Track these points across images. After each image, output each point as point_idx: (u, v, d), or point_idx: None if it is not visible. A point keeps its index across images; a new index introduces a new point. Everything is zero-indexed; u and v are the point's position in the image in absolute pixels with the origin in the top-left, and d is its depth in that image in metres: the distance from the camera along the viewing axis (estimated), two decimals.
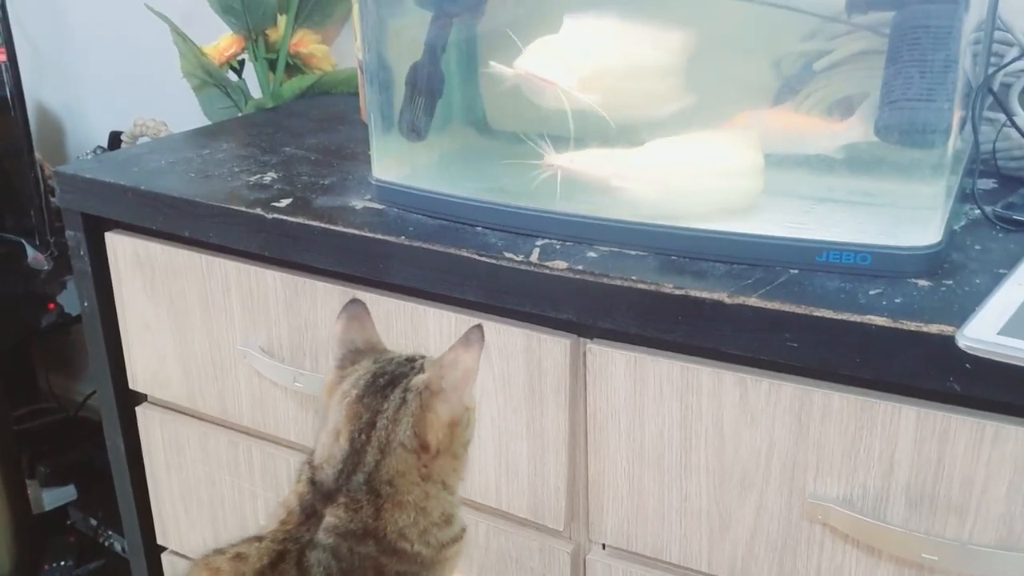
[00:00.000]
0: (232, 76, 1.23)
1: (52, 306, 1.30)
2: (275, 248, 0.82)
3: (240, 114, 1.20)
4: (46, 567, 1.36)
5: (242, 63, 1.23)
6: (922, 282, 0.64)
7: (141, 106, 1.38)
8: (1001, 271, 0.65)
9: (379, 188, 0.83)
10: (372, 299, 0.79)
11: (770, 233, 0.68)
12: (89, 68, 1.52)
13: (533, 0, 0.84)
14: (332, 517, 0.55)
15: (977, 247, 0.70)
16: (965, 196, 0.78)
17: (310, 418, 0.87)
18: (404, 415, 0.55)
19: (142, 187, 0.87)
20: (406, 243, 0.75)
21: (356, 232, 0.77)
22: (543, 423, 0.75)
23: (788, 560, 0.67)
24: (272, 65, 1.21)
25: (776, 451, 0.66)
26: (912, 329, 0.58)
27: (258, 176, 0.90)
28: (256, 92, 1.23)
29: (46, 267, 1.26)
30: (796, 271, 0.66)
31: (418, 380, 0.56)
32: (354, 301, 0.62)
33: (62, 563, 1.36)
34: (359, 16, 0.82)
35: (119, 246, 0.93)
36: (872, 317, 0.59)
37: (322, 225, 0.78)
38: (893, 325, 0.58)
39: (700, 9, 0.78)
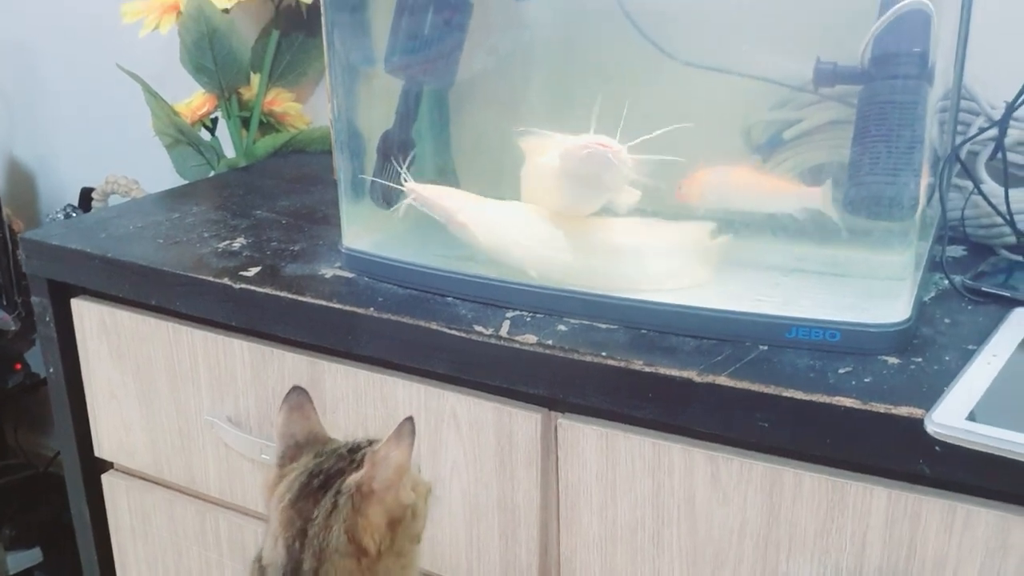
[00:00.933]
0: (205, 134, 1.22)
1: (19, 366, 1.28)
2: (242, 318, 0.81)
3: (212, 173, 1.20)
4: None
5: (215, 121, 1.23)
6: (891, 359, 0.64)
7: (114, 162, 1.37)
8: (970, 347, 0.65)
9: (349, 256, 0.82)
10: (341, 370, 0.79)
11: (739, 309, 0.68)
12: (62, 123, 1.51)
13: (504, 67, 0.85)
14: None
15: (946, 320, 0.70)
16: (934, 265, 0.78)
17: None
18: (335, 520, 0.53)
19: (109, 254, 0.86)
20: (375, 315, 0.74)
21: (324, 303, 0.76)
22: (514, 498, 0.74)
23: None
24: (245, 123, 1.21)
25: (748, 530, 0.65)
26: (881, 411, 0.58)
27: (227, 242, 0.89)
28: (229, 149, 1.22)
29: (13, 328, 1.24)
30: (766, 347, 0.66)
31: (350, 481, 0.55)
32: (295, 389, 0.61)
33: None
34: (329, 83, 0.82)
35: (85, 313, 0.91)
36: (841, 399, 0.59)
37: (290, 296, 0.77)
38: (863, 407, 0.58)
39: (666, 78, 0.79)
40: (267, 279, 0.80)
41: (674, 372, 0.63)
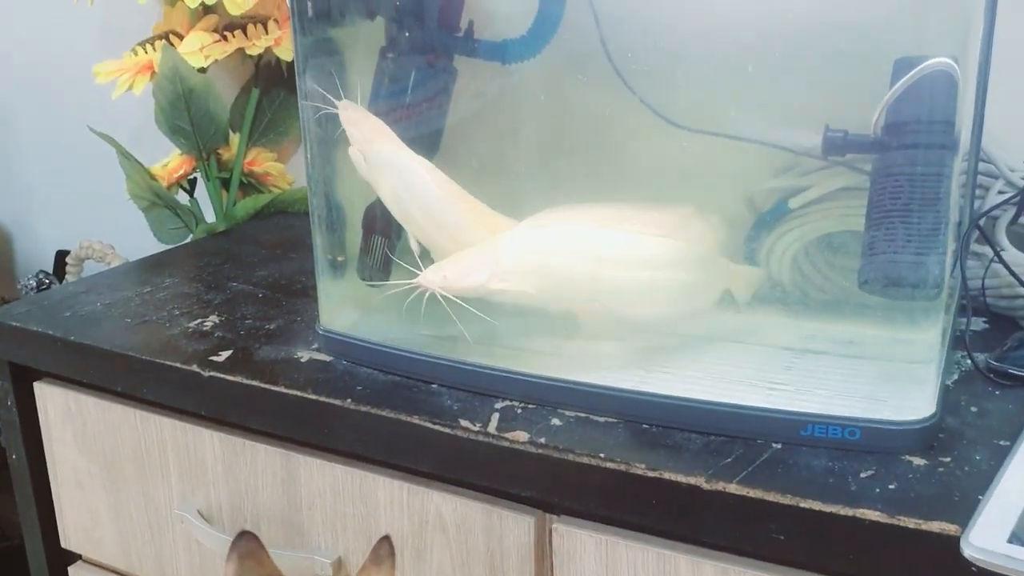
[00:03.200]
0: (183, 196, 1.17)
1: None
2: (212, 407, 0.75)
3: (190, 236, 1.14)
4: None
5: (193, 182, 1.18)
6: (916, 460, 0.58)
7: (90, 224, 1.33)
8: (1002, 443, 0.59)
9: (327, 338, 0.76)
10: (317, 464, 0.73)
11: (749, 403, 0.62)
12: (38, 183, 1.46)
13: (493, 133, 0.80)
14: None
15: (973, 408, 0.64)
16: (956, 340, 0.73)
17: None
18: None
19: (72, 337, 0.81)
20: (352, 407, 0.68)
21: (298, 394, 0.70)
22: None
23: None
24: (225, 184, 1.15)
25: None
26: (911, 527, 0.52)
27: (199, 321, 0.84)
28: (209, 211, 1.17)
29: None
30: (779, 445, 0.60)
31: None
32: (243, 535, 0.55)
33: None
34: (305, 153, 0.77)
35: (49, 397, 0.86)
36: (865, 511, 0.53)
37: (261, 385, 0.72)
38: (889, 521, 0.52)
39: (664, 143, 0.74)
40: (239, 365, 0.75)
41: (679, 478, 0.58)
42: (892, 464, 0.58)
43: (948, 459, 0.58)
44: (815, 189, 0.73)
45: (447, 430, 0.65)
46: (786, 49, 0.69)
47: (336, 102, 0.71)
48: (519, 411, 0.66)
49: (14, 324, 0.84)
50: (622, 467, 0.59)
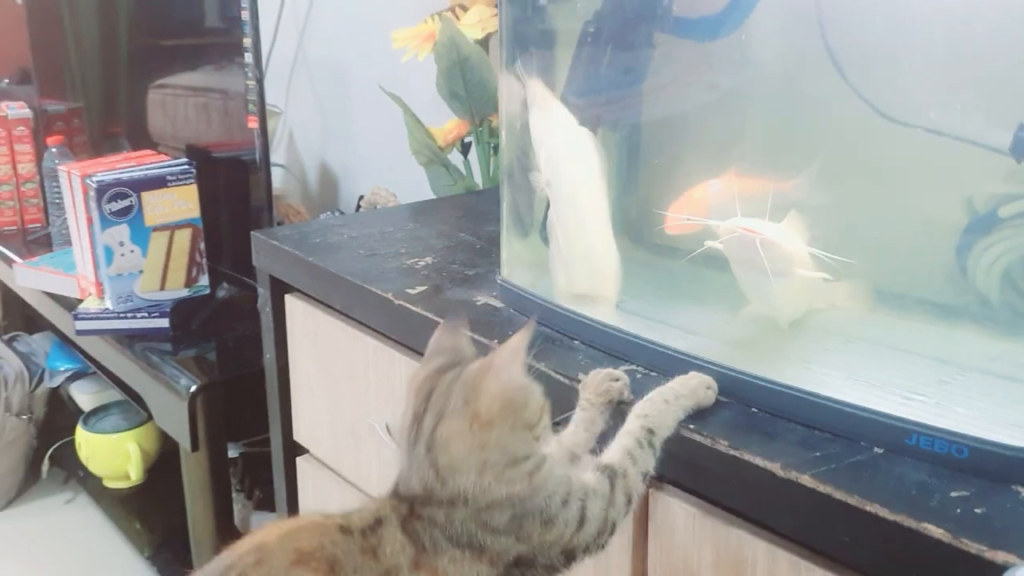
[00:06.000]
0: (459, 156, 1.29)
1: None
2: (400, 333, 0.85)
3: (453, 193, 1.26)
4: None
5: (469, 145, 1.29)
6: None
7: (395, 173, 1.49)
8: None
9: (502, 288, 0.83)
10: None
11: (859, 403, 0.59)
12: (362, 135, 1.67)
13: (695, 110, 0.81)
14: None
15: None
16: None
17: None
18: (456, 386, 0.53)
19: (310, 259, 0.94)
20: (494, 347, 0.73)
21: None
22: (607, 560, 0.70)
23: None
24: (495, 149, 1.25)
25: None
26: (972, 551, 0.47)
27: (415, 259, 0.94)
28: (479, 171, 1.28)
29: None
30: (881, 451, 0.57)
31: (475, 360, 0.55)
32: (456, 314, 0.62)
33: None
34: (501, 114, 0.83)
35: (295, 308, 1.00)
36: (929, 527, 0.49)
37: (433, 317, 0.79)
38: (951, 542, 0.48)
39: (876, 136, 0.70)
40: (425, 299, 0.83)
41: (757, 460, 0.57)
42: (996, 491, 0.52)
43: None
44: None
45: (564, 380, 0.68)
46: (1014, 44, 0.63)
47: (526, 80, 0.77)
48: (639, 376, 0.68)
49: (275, 243, 0.99)
50: (707, 441, 0.59)
